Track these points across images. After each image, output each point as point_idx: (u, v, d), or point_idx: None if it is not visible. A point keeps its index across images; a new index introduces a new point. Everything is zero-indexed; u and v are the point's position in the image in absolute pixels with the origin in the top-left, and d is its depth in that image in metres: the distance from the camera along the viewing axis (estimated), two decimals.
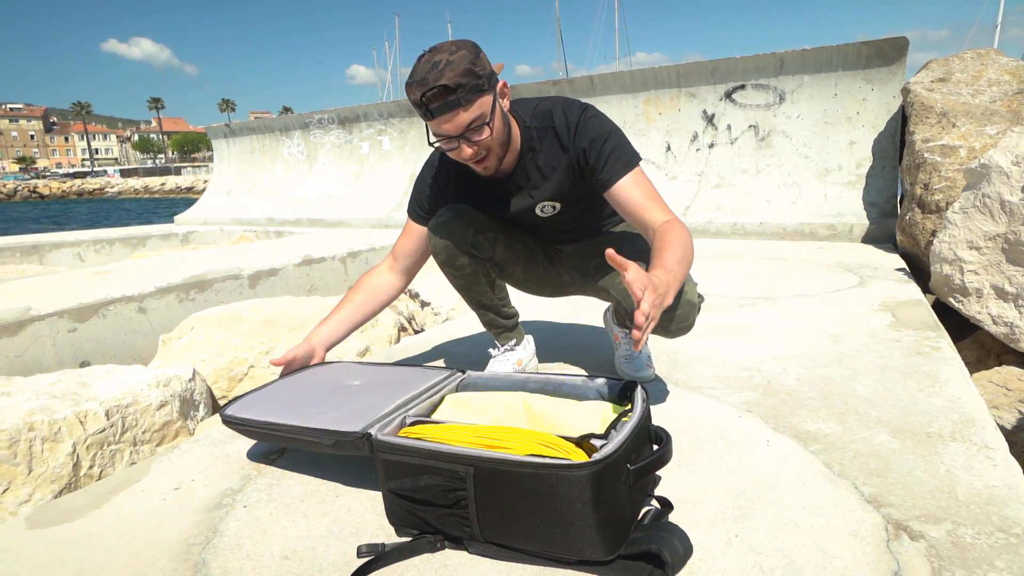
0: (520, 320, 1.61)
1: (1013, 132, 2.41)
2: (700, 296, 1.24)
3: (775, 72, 4.23)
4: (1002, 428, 1.63)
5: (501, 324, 1.53)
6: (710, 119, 4.51)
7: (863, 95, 4.00)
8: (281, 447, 1.22)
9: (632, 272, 0.90)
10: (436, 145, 1.17)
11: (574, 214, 1.39)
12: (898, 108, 3.85)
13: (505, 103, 1.21)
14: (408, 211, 1.44)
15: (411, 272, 1.45)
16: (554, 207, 1.35)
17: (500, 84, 1.17)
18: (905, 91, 3.57)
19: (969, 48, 3.79)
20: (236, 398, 1.20)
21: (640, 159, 1.24)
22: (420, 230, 1.42)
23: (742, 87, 4.37)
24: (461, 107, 1.09)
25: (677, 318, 1.21)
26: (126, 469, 1.22)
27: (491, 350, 1.56)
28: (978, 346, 2.31)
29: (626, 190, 1.20)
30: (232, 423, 1.12)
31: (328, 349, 1.39)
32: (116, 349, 2.69)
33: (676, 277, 1.00)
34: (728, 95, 4.43)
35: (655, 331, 1.24)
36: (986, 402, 1.80)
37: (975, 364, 2.25)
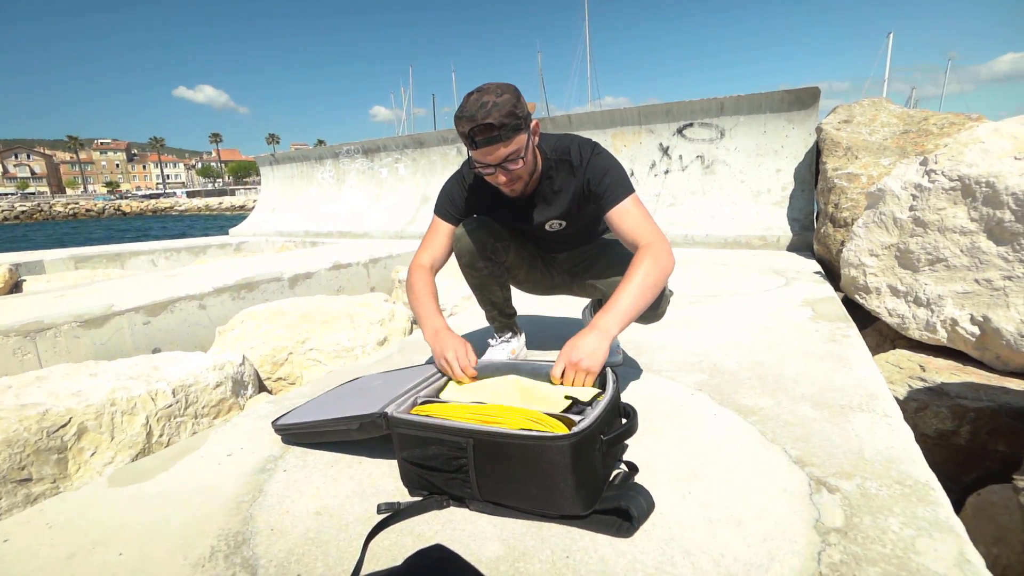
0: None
1: (902, 163, 2.42)
2: (670, 290, 1.26)
3: (717, 113, 4.24)
4: (896, 400, 1.63)
5: (502, 319, 1.51)
6: (665, 151, 4.51)
7: (786, 132, 4.01)
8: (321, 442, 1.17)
9: (556, 368, 0.99)
10: (476, 170, 1.16)
11: (575, 230, 1.39)
12: (813, 143, 3.86)
13: (535, 139, 1.19)
14: (440, 213, 1.34)
15: (444, 263, 1.37)
16: (560, 224, 1.34)
17: (533, 124, 1.16)
18: (818, 130, 3.59)
19: (865, 96, 3.84)
20: (285, 414, 1.17)
21: (633, 190, 1.22)
22: (450, 229, 1.34)
23: (691, 125, 4.37)
24: (502, 143, 1.09)
25: (652, 306, 1.21)
26: (189, 438, 1.20)
27: (490, 340, 1.54)
28: (877, 334, 2.33)
29: (619, 214, 1.19)
30: (281, 430, 1.10)
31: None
32: (182, 339, 2.64)
33: (608, 333, 1.00)
34: (680, 131, 4.43)
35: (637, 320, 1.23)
36: (884, 379, 1.81)
37: (875, 348, 2.26)
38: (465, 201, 1.34)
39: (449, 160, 5.85)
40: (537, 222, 1.33)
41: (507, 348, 1.48)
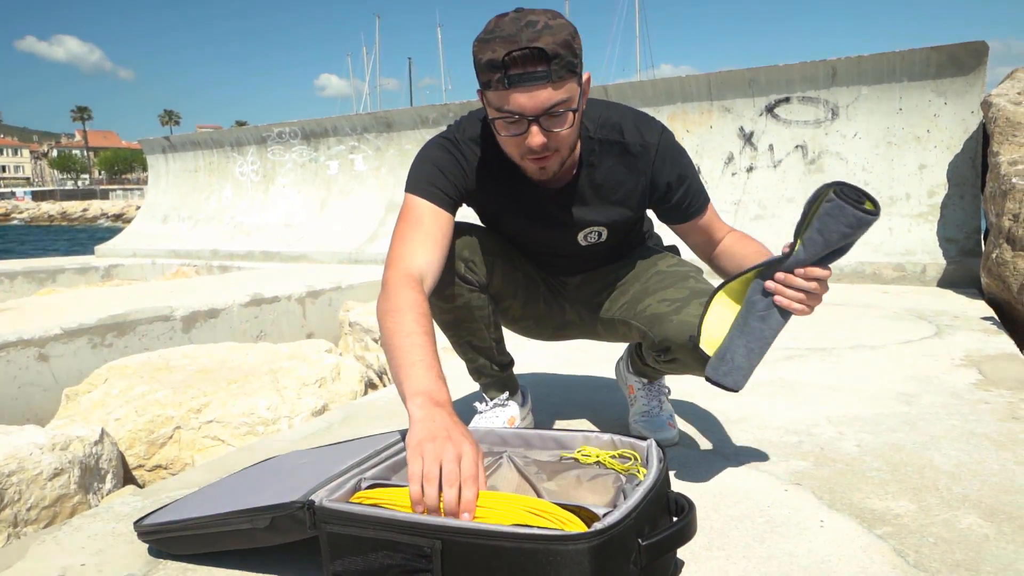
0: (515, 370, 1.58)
1: None
2: None
3: (826, 83, 4.33)
4: None
5: (492, 372, 1.50)
6: (748, 138, 4.59)
7: (934, 110, 4.08)
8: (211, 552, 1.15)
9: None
10: (497, 123, 1.12)
11: (613, 244, 1.40)
12: (978, 125, 3.92)
13: (583, 101, 1.17)
14: (425, 192, 1.23)
15: (437, 276, 1.24)
16: (599, 234, 1.36)
17: (586, 76, 1.16)
18: (986, 105, 3.64)
19: None
20: (157, 510, 1.16)
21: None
22: (444, 218, 1.23)
23: (786, 100, 4.46)
24: (551, 82, 1.06)
25: None
26: None
27: (477, 404, 1.54)
28: None
29: (705, 219, 1.36)
30: (147, 533, 1.09)
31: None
32: (5, 405, 2.65)
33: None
34: (770, 110, 4.52)
35: (690, 370, 1.26)
36: None
37: None
38: (469, 174, 1.28)
39: None
40: (566, 228, 1.34)
41: (502, 415, 1.48)
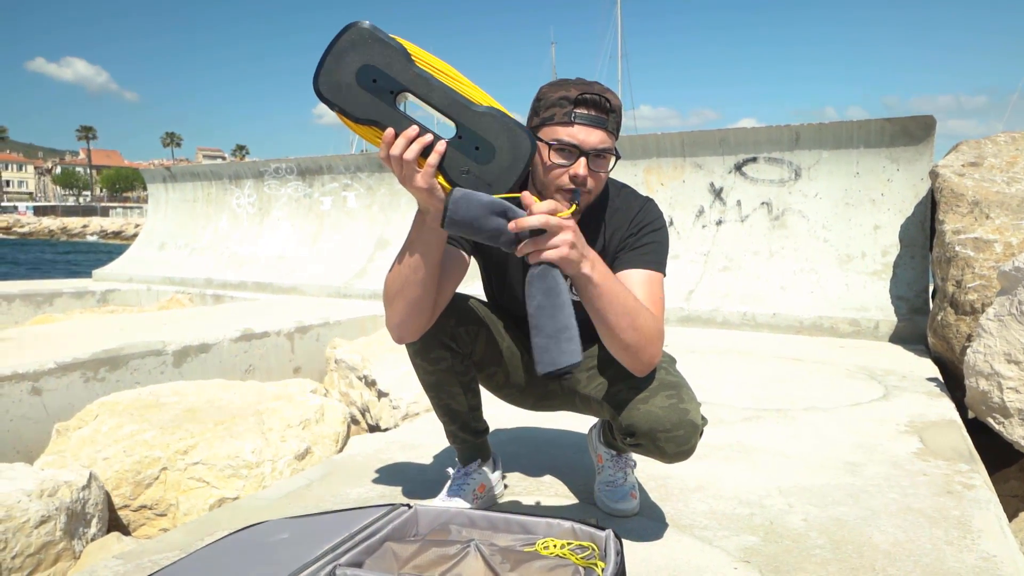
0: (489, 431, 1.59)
1: None
2: (704, 419, 1.26)
3: (790, 146, 4.44)
4: None
5: (466, 439, 1.51)
6: (718, 193, 4.68)
7: (888, 175, 4.19)
8: None
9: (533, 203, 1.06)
10: (550, 153, 1.22)
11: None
12: (927, 191, 4.03)
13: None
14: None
15: (438, 311, 1.31)
16: None
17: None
18: (933, 174, 3.75)
19: (1011, 117, 4.04)
20: None
21: (665, 275, 1.35)
22: (458, 255, 1.31)
23: (754, 160, 4.57)
24: (607, 130, 1.23)
25: (677, 440, 1.22)
26: None
27: (450, 469, 1.54)
28: None
29: (637, 278, 1.29)
30: None
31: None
32: None
33: (604, 274, 1.13)
34: (738, 167, 4.62)
35: (652, 455, 1.26)
36: None
37: None
38: None
39: None
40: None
41: (471, 484, 1.48)
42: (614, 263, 1.32)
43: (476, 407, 1.50)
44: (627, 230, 1.35)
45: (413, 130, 1.08)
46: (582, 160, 1.21)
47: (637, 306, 1.18)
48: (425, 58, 1.10)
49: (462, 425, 1.50)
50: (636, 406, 1.25)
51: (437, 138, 1.08)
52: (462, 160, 1.10)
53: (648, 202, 1.39)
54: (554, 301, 1.09)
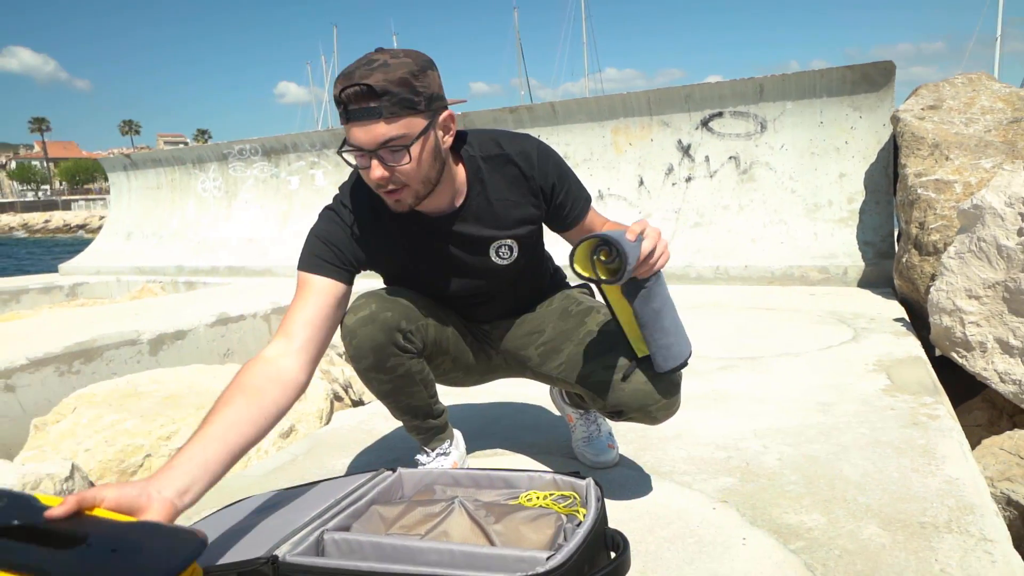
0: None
1: (1004, 170, 2.59)
2: (681, 374, 1.28)
3: (755, 98, 4.46)
4: (1016, 504, 1.69)
5: (431, 426, 1.46)
6: (686, 150, 4.70)
7: (851, 123, 4.24)
8: None
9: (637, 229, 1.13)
10: (346, 155, 1.14)
11: (524, 262, 1.39)
12: (889, 137, 4.09)
13: (446, 138, 1.19)
14: (306, 266, 1.25)
15: (317, 355, 1.21)
16: (511, 249, 1.34)
17: (444, 114, 1.16)
18: (895, 119, 3.80)
19: (968, 62, 4.11)
20: None
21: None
22: (332, 289, 1.24)
23: (720, 115, 4.58)
24: (382, 118, 1.07)
25: (668, 406, 1.25)
26: None
27: (419, 456, 1.48)
28: (989, 405, 2.41)
29: (587, 222, 1.37)
30: None
31: (185, 501, 0.90)
32: None
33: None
34: (705, 123, 4.63)
35: (640, 422, 1.29)
36: (997, 473, 1.87)
37: (987, 426, 2.34)
38: (354, 240, 1.27)
39: None
40: (477, 250, 1.32)
41: (446, 463, 1.45)
42: (563, 220, 1.36)
43: (434, 394, 1.45)
44: (553, 191, 1.32)
45: None
46: (373, 162, 1.11)
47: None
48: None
49: (424, 416, 1.44)
50: (620, 386, 1.25)
51: None
52: None
53: (541, 151, 1.31)
54: (669, 302, 1.23)
